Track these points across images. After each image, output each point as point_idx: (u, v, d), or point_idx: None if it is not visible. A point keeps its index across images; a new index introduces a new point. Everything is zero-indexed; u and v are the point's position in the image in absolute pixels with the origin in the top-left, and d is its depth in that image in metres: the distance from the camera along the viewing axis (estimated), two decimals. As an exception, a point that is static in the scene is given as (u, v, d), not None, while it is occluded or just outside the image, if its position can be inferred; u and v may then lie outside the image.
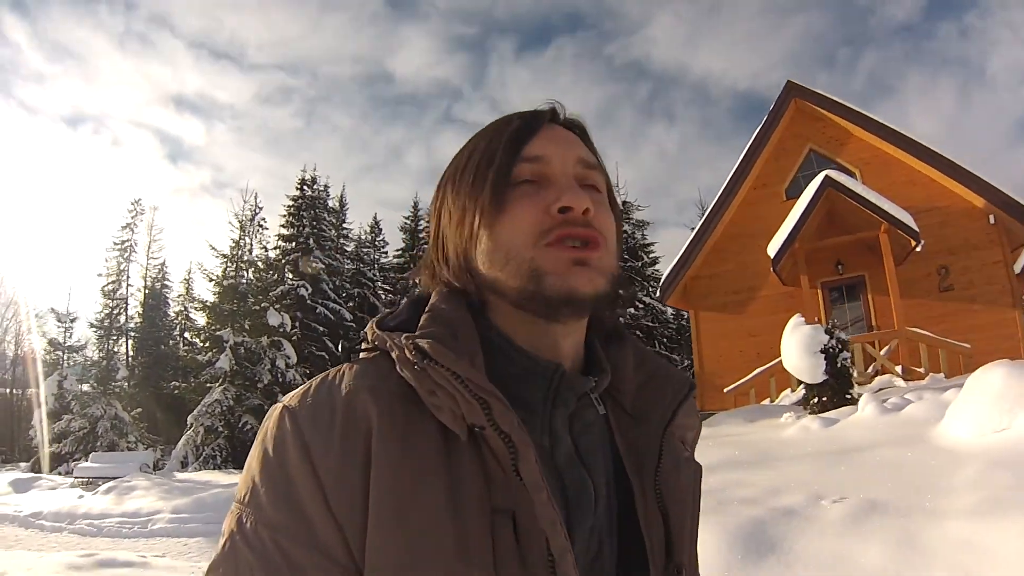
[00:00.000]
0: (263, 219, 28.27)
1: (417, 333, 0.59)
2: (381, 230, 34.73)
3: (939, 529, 3.87)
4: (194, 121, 75.78)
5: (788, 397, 10.92)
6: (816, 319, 12.10)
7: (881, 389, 9.56)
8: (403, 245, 32.86)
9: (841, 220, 11.79)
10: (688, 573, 0.66)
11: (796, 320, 9.13)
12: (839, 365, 8.50)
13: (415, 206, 33.51)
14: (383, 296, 30.89)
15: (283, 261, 26.44)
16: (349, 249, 32.00)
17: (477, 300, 0.66)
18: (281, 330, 21.95)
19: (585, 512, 0.60)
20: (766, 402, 11.30)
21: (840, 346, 8.62)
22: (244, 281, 25.13)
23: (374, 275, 31.67)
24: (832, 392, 8.46)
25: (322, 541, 0.53)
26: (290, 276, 25.81)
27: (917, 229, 10.91)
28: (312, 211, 27.45)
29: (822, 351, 8.52)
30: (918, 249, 11.03)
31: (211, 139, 75.64)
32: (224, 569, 0.55)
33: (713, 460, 6.82)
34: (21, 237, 70.11)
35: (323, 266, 26.58)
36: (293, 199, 27.71)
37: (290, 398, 0.61)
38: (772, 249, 11.85)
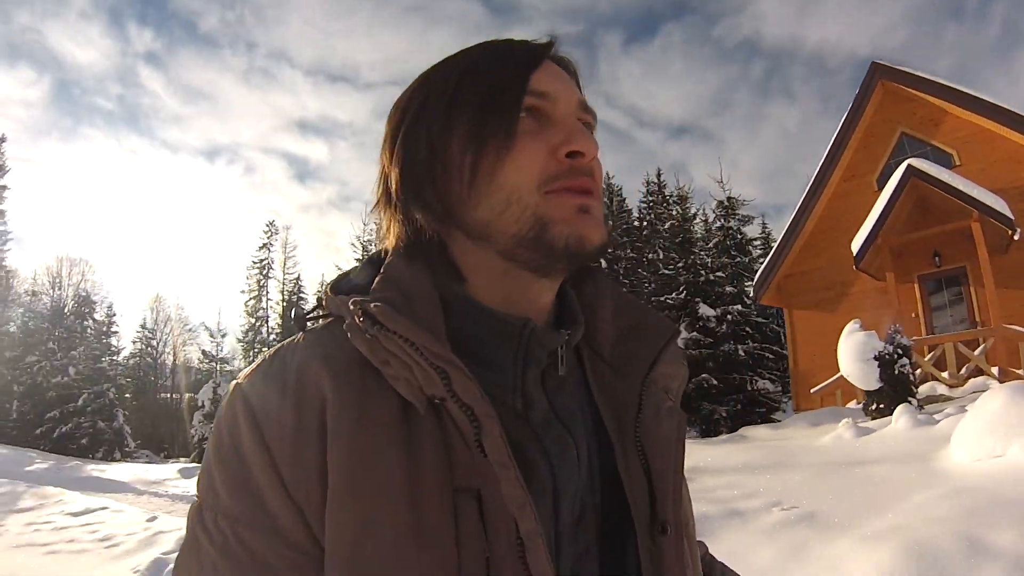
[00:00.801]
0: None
1: (368, 297, 0.55)
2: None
3: (831, 545, 4.46)
4: (317, 142, 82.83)
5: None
6: (913, 314, 11.80)
7: (930, 399, 9.32)
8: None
9: (934, 209, 11.33)
10: (674, 530, 0.60)
11: (851, 326, 9.23)
12: (896, 372, 8.50)
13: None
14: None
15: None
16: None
17: (440, 254, 0.61)
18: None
19: (571, 475, 0.57)
20: (852, 404, 11.21)
21: (899, 352, 8.61)
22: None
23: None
24: (889, 399, 8.52)
25: (283, 529, 0.50)
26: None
27: (1011, 216, 10.26)
28: None
29: (875, 358, 8.59)
30: (1016, 237, 10.33)
31: (334, 156, 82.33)
32: (188, 566, 0.53)
33: (731, 462, 7.56)
34: (175, 261, 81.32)
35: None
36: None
37: (243, 375, 0.57)
38: (855, 245, 11.65)
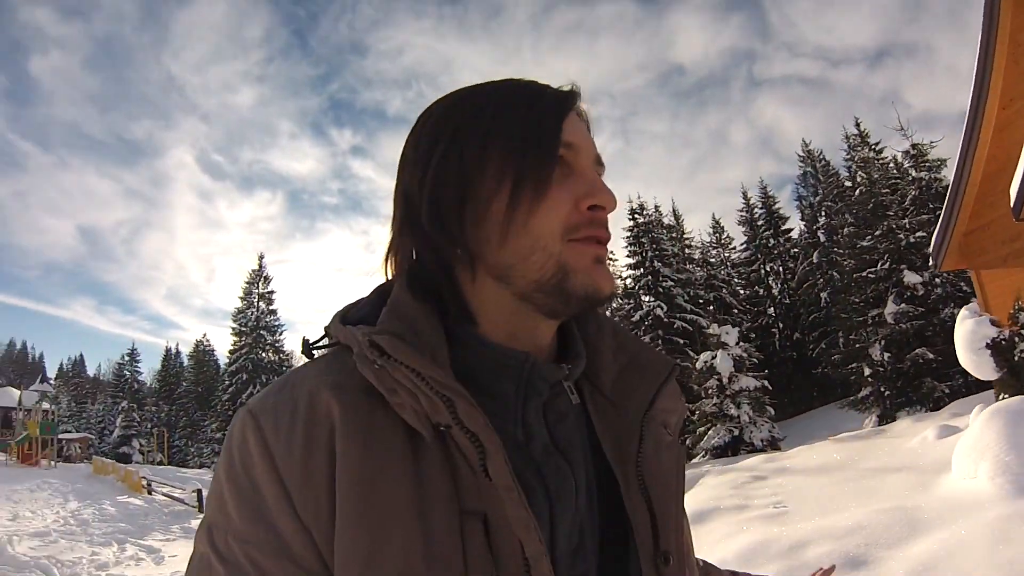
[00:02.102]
0: (611, 252, 32.01)
1: (374, 329, 0.57)
2: (723, 228, 35.24)
3: (745, 535, 4.67)
4: None
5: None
6: None
7: None
8: (745, 238, 32.82)
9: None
10: (675, 559, 0.61)
11: (965, 312, 8.01)
12: (1016, 359, 7.24)
13: (745, 196, 33.12)
14: (741, 292, 31.22)
15: (636, 287, 29.36)
16: (696, 256, 33.25)
17: (449, 288, 0.62)
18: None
19: (567, 504, 0.58)
20: None
21: (1018, 338, 7.31)
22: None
23: (727, 274, 32.30)
24: (1013, 390, 7.29)
25: (293, 551, 0.52)
26: (647, 299, 28.57)
27: None
28: (648, 235, 29.66)
29: (987, 346, 7.42)
30: None
31: None
32: None
33: (805, 462, 7.39)
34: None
35: (672, 282, 28.55)
36: (628, 229, 30.31)
37: (253, 401, 0.58)
38: (1014, 188, 9.69)
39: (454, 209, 0.59)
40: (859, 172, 21.57)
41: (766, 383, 18.83)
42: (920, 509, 4.32)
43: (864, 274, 18.52)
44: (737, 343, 18.89)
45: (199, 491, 18.96)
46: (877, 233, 18.47)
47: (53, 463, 28.51)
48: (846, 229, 21.19)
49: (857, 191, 20.79)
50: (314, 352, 0.64)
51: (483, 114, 0.61)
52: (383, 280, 0.67)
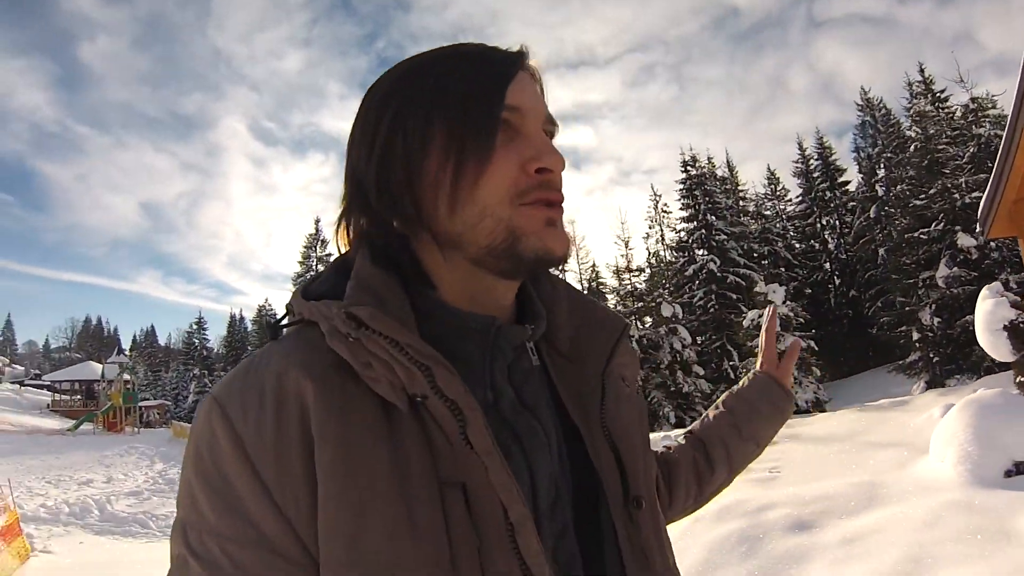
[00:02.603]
0: (665, 204, 31.69)
1: (347, 301, 0.56)
2: (778, 179, 34.25)
3: (725, 495, 5.36)
4: (581, 128, 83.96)
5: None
6: None
7: None
8: (800, 191, 32.03)
9: None
10: (648, 503, 0.65)
11: (986, 292, 8.15)
12: None
13: (800, 146, 32.16)
14: (797, 247, 30.69)
15: (689, 240, 29.23)
16: (751, 209, 32.73)
17: (409, 258, 0.63)
18: (674, 319, 25.07)
19: (543, 459, 0.60)
20: None
21: (1036, 318, 7.49)
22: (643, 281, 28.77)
23: (782, 227, 31.74)
24: None
25: (271, 540, 0.51)
26: (700, 253, 28.48)
27: None
28: (701, 187, 29.33)
29: (1005, 327, 7.62)
30: None
31: (602, 137, 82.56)
32: None
33: (817, 431, 7.93)
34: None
35: (726, 236, 28.30)
36: (681, 182, 30.00)
37: (217, 387, 0.57)
38: None
39: (402, 185, 0.60)
40: (914, 126, 20.78)
41: (812, 344, 18.92)
42: (885, 485, 4.83)
43: (916, 234, 18.17)
44: (784, 302, 18.96)
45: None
46: (932, 192, 18.00)
47: (136, 429, 31.16)
48: (899, 187, 20.67)
49: (912, 147, 20.16)
50: (280, 332, 0.62)
51: (424, 87, 0.61)
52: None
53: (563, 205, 0.63)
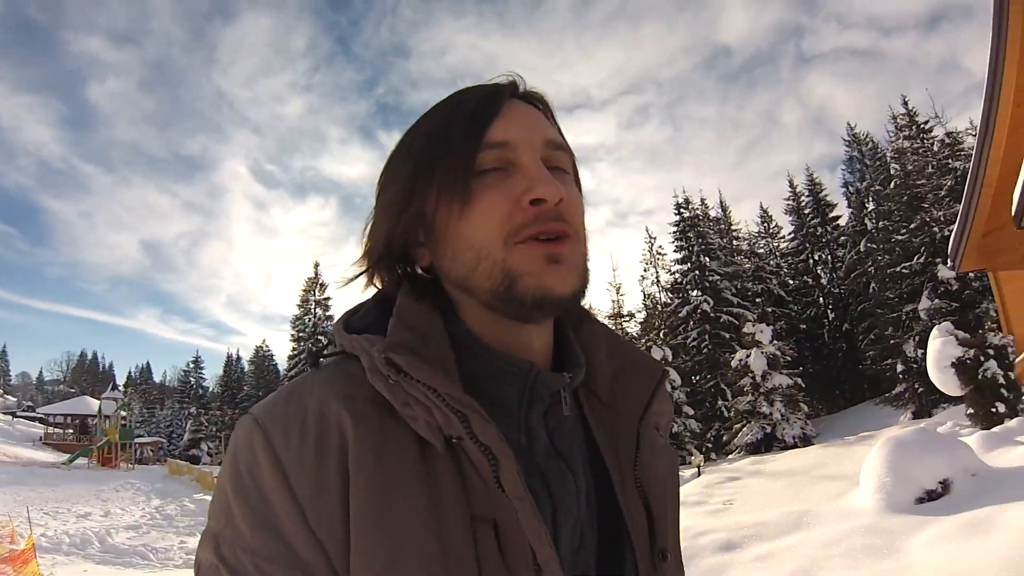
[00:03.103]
0: (660, 246, 32.16)
1: (387, 342, 0.57)
2: (771, 217, 34.82)
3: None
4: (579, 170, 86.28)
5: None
6: None
7: None
8: (792, 227, 32.58)
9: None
10: (673, 556, 0.66)
11: (936, 331, 8.62)
12: (980, 378, 7.86)
13: (791, 183, 32.84)
14: (791, 283, 31.08)
15: (683, 282, 29.61)
16: (744, 248, 33.22)
17: (443, 297, 0.64)
18: (664, 362, 25.31)
19: (569, 507, 0.60)
20: None
21: (983, 357, 7.93)
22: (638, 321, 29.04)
23: (776, 264, 32.26)
24: (979, 407, 7.92)
25: (304, 562, 0.52)
26: (694, 293, 28.82)
27: None
28: (695, 229, 29.87)
29: (952, 364, 8.05)
30: None
31: (599, 179, 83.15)
32: None
33: (780, 466, 8.27)
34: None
35: (719, 276, 28.66)
36: (675, 224, 30.53)
37: (259, 408, 0.58)
38: (1016, 196, 10.02)
39: (411, 238, 0.64)
40: (893, 163, 21.33)
41: (799, 380, 19.21)
42: (814, 514, 5.27)
43: (899, 268, 18.60)
44: (771, 341, 19.33)
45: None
46: (913, 226, 18.49)
47: (131, 465, 31.48)
48: (880, 223, 21.16)
49: (892, 183, 20.73)
50: (321, 361, 0.62)
51: (414, 144, 0.63)
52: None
53: (572, 235, 0.60)
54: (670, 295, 29.99)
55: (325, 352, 0.63)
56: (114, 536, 11.94)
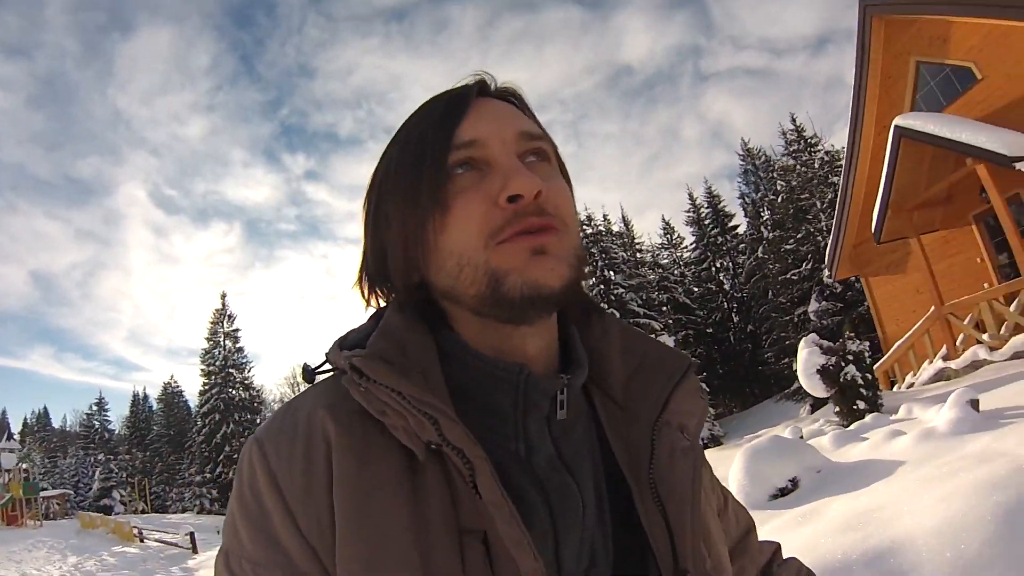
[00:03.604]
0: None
1: (356, 352, 0.56)
2: (673, 228, 36.15)
3: None
4: None
5: (927, 371, 10.29)
6: (979, 259, 10.78)
7: (975, 364, 9.05)
8: (694, 237, 33.89)
9: (945, 156, 10.15)
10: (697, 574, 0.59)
11: (803, 343, 9.29)
12: (842, 380, 8.56)
13: (690, 196, 34.13)
14: (695, 291, 32.39)
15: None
16: (648, 260, 34.09)
17: (433, 308, 0.62)
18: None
19: (572, 523, 0.56)
20: (911, 376, 10.77)
21: (843, 363, 8.62)
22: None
23: (680, 274, 33.34)
24: (843, 405, 8.60)
25: (299, 568, 0.52)
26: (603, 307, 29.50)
27: (1009, 153, 8.87)
28: (598, 245, 30.15)
29: (818, 371, 8.73)
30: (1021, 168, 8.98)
31: None
32: None
33: None
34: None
35: (624, 288, 29.48)
36: (579, 241, 31.15)
37: (259, 429, 0.59)
38: (875, 214, 11.03)
39: (398, 254, 0.61)
40: (778, 180, 22.77)
41: (703, 385, 20.05)
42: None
43: (789, 275, 19.78)
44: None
45: (192, 534, 19.69)
46: (799, 236, 19.71)
47: (39, 522, 28.79)
48: (770, 234, 22.42)
49: (779, 198, 21.99)
50: (316, 377, 0.63)
51: (390, 158, 0.63)
52: (356, 304, 0.67)
53: (557, 226, 0.57)
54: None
55: (319, 368, 0.63)
56: (33, 598, 11.05)
